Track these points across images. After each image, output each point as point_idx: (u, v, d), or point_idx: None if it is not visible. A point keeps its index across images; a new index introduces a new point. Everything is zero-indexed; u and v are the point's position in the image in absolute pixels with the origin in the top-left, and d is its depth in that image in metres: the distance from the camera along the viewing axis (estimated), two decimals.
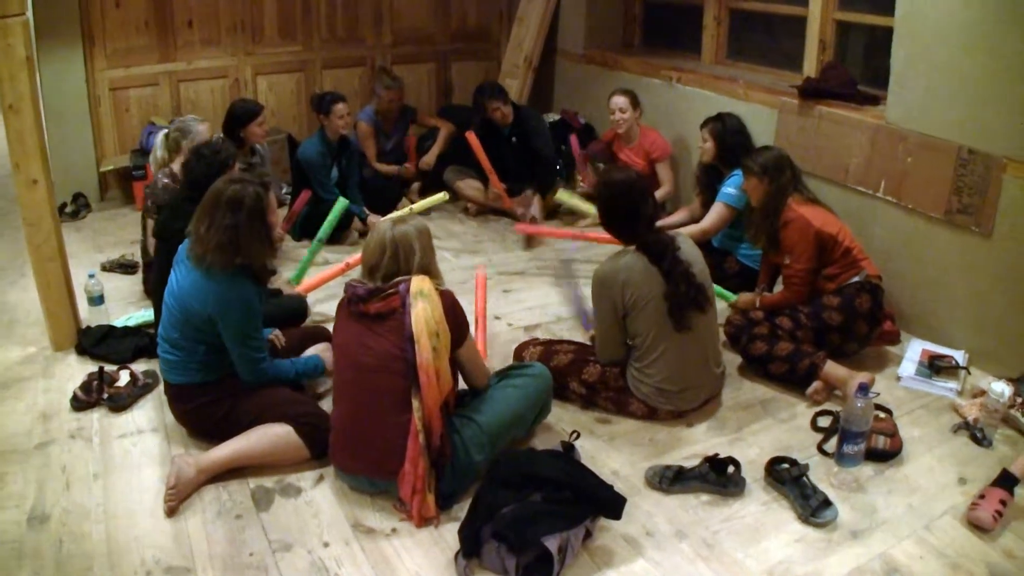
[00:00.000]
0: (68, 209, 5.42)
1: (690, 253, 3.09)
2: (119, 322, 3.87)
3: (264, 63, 5.88)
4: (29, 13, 3.41)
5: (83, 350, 3.67)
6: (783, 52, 4.78)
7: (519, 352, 3.39)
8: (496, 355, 3.60)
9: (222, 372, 2.92)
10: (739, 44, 5.18)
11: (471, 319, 3.01)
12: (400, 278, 2.59)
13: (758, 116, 4.33)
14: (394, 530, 2.57)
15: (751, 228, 3.73)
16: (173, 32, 5.52)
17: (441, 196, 4.76)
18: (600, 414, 3.22)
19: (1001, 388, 3.03)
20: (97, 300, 3.94)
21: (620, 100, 4.83)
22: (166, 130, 4.30)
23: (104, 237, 5.13)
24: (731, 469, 2.77)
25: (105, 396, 3.29)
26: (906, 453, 2.95)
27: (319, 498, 2.73)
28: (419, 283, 2.57)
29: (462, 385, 2.85)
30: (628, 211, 3.04)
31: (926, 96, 3.54)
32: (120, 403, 3.28)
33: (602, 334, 3.16)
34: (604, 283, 3.05)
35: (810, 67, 4.45)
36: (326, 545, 2.51)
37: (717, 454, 2.80)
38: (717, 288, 3.72)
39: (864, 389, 2.73)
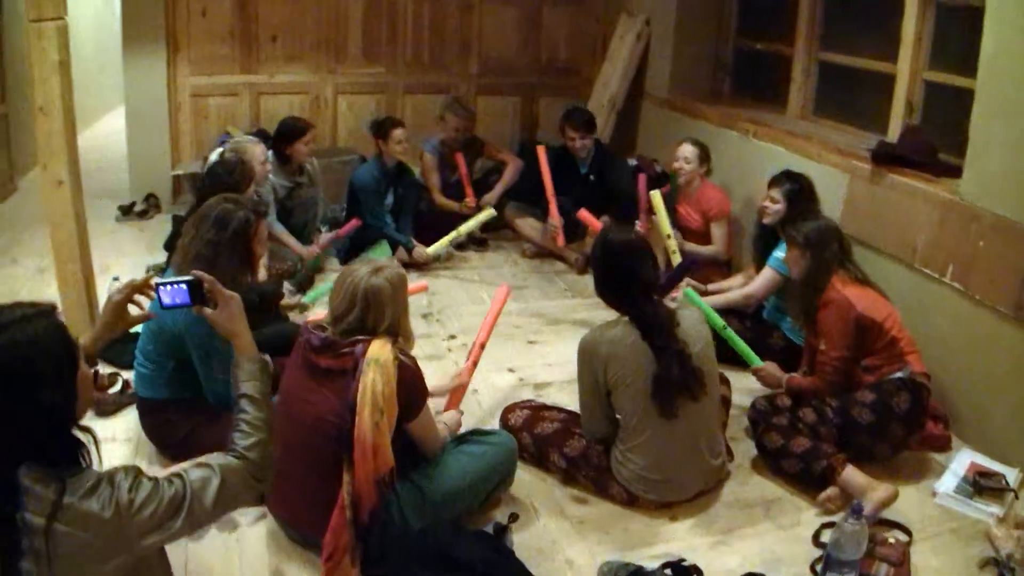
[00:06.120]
0: (137, 208, 5.53)
1: (691, 331, 2.76)
2: (135, 329, 3.84)
3: (346, 83, 5.88)
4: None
5: None
6: (872, 111, 4.34)
7: (505, 414, 3.13)
8: (491, 410, 3.35)
9: (189, 392, 2.85)
10: (827, 100, 4.77)
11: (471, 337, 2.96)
12: (360, 337, 2.37)
13: (829, 179, 3.93)
14: None
15: (792, 305, 3.36)
16: (257, 45, 5.59)
17: (489, 213, 4.68)
18: (579, 492, 2.92)
19: None
20: None
21: (688, 149, 4.49)
22: (221, 148, 4.31)
23: (162, 240, 5.17)
24: None
25: (95, 400, 3.24)
26: None
27: (251, 537, 2.61)
28: (377, 349, 2.34)
29: None
30: (622, 276, 2.74)
31: (1004, 171, 3.09)
32: (105, 409, 3.29)
33: (584, 408, 2.88)
34: (587, 354, 2.77)
35: (895, 129, 4.02)
36: None
37: (682, 559, 2.47)
38: (743, 345, 3.36)
39: (859, 511, 2.33)
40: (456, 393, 3.08)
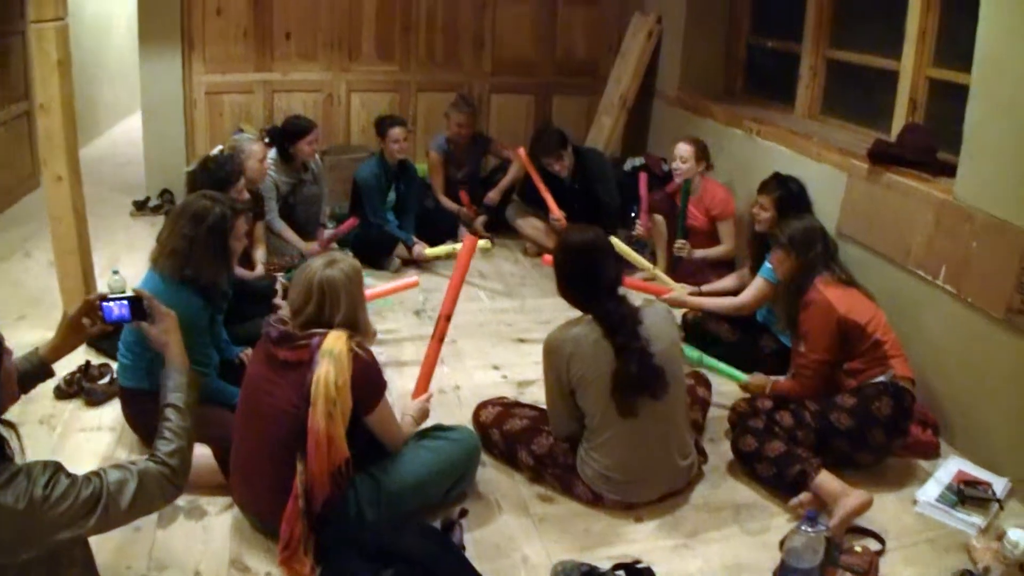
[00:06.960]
0: (151, 203, 5.61)
1: (655, 329, 2.71)
2: None
3: (359, 80, 5.89)
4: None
5: (90, 341, 3.71)
6: (878, 110, 4.22)
7: (477, 410, 3.11)
8: (472, 406, 3.31)
9: None
10: (835, 98, 4.65)
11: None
12: (316, 330, 2.40)
13: (828, 179, 3.85)
14: (268, 574, 2.42)
15: (778, 307, 3.29)
16: (271, 43, 5.63)
17: (484, 244, 4.57)
18: (547, 491, 2.88)
19: (1018, 536, 2.43)
20: None
21: (684, 148, 4.42)
22: (220, 146, 4.37)
23: None
24: None
25: (85, 389, 3.36)
26: None
27: (217, 526, 2.64)
28: (333, 341, 2.37)
29: None
30: (583, 276, 2.72)
31: (997, 169, 2.98)
32: (95, 398, 3.36)
33: (551, 406, 2.85)
34: (551, 353, 2.73)
35: (899, 128, 3.89)
36: (197, 574, 2.41)
37: (637, 561, 2.42)
38: (725, 367, 3.32)
39: (812, 519, 2.25)
40: (424, 374, 3.01)
